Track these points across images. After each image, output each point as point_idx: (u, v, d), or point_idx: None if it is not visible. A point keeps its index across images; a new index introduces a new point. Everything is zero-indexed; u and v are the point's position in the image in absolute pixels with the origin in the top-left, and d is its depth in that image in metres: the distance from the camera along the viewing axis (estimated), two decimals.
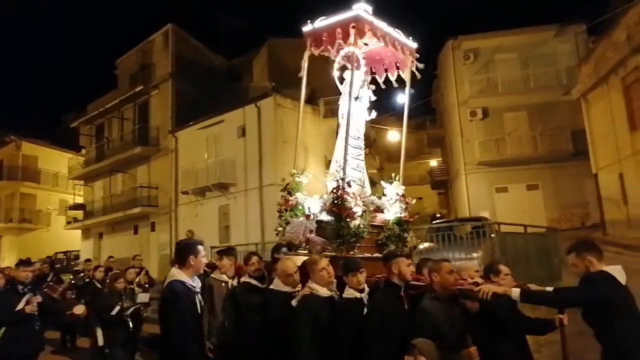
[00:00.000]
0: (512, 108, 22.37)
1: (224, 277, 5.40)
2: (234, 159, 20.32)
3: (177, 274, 3.65)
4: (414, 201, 6.13)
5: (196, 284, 3.76)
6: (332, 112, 23.16)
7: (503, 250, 9.02)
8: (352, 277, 3.95)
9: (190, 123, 21.99)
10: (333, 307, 3.96)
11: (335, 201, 5.18)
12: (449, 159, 28.49)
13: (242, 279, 5.12)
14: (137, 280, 8.55)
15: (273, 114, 19.47)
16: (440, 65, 29.24)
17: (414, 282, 4.00)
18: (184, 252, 3.72)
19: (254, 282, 4.89)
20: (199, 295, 3.80)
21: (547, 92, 21.44)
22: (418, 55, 6.46)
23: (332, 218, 5.18)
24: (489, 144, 22.54)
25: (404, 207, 5.81)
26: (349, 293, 3.95)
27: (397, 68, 6.56)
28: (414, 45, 6.42)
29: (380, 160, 34.32)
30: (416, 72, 6.48)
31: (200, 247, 3.78)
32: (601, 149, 18.35)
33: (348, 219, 5.09)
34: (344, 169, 5.43)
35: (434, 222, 16.63)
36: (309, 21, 6.10)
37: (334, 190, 5.27)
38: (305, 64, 6.29)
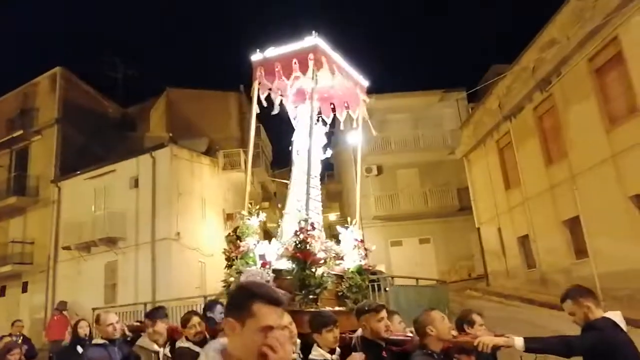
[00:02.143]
0: (404, 165, 23.76)
1: (154, 346, 4.11)
2: (125, 211, 19.04)
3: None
4: (374, 247, 5.63)
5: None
6: (231, 164, 22.94)
7: (396, 303, 9.20)
8: (328, 334, 3.34)
9: (77, 172, 20.39)
10: None
11: (299, 245, 4.56)
12: (346, 213, 29.21)
13: (179, 344, 4.07)
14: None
15: (169, 164, 18.75)
16: (338, 122, 30.46)
17: (394, 338, 3.56)
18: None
19: (195, 347, 3.90)
20: None
21: (435, 151, 23.14)
22: (367, 99, 6.23)
23: (294, 265, 4.55)
24: (383, 199, 23.54)
25: (363, 254, 5.33)
26: (318, 354, 3.32)
27: (347, 108, 6.25)
28: (366, 83, 6.12)
29: (281, 214, 34.24)
30: (365, 113, 6.20)
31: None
32: (482, 205, 19.99)
33: (313, 267, 4.50)
34: (307, 209, 4.82)
35: None
36: (257, 50, 5.59)
37: (298, 232, 4.64)
38: (254, 96, 5.64)
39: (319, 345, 3.35)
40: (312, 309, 4.30)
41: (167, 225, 17.92)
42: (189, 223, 19.03)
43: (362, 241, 5.39)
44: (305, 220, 4.70)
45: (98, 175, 19.93)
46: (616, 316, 3.10)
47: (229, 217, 22.97)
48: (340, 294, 4.89)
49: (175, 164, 18.87)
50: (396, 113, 24.50)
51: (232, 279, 4.73)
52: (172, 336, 4.33)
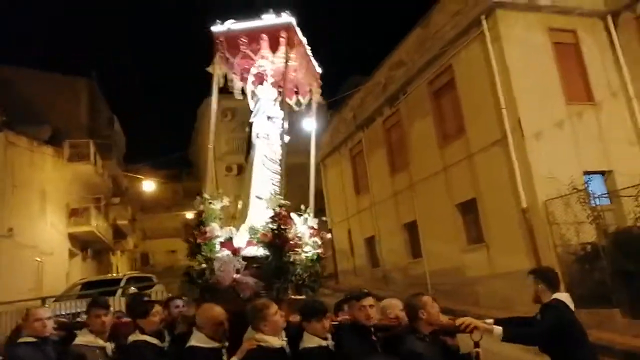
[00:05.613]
0: None
1: (99, 341, 3.60)
2: None
3: None
4: (329, 235, 5.53)
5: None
6: (78, 156, 21.16)
7: None
8: (317, 323, 3.32)
9: None
10: None
11: (276, 230, 4.38)
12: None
13: (133, 338, 3.69)
14: None
15: (2, 153, 16.63)
16: (199, 120, 29.95)
17: (381, 324, 3.63)
18: None
19: (151, 340, 3.65)
20: None
21: (294, 154, 23.92)
22: (321, 82, 6.08)
23: (267, 252, 4.39)
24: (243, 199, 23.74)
25: (319, 242, 5.17)
26: (312, 342, 3.29)
27: (296, 93, 6.09)
28: (319, 70, 5.99)
29: (133, 211, 32.44)
30: (320, 99, 6.14)
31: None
32: (335, 207, 21.31)
33: (290, 254, 4.39)
34: (282, 194, 4.72)
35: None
36: (218, 21, 5.22)
37: (275, 217, 4.46)
38: (215, 71, 5.24)
39: (310, 334, 3.34)
40: (292, 298, 4.30)
41: None
42: (25, 218, 17.12)
43: (318, 229, 5.28)
44: (281, 206, 4.55)
45: None
46: (565, 297, 3.42)
47: (73, 212, 21.18)
48: (300, 282, 4.67)
49: (10, 152, 16.81)
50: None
51: (203, 265, 4.43)
52: (118, 330, 3.91)
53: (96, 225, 22.01)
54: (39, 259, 17.68)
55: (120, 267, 29.44)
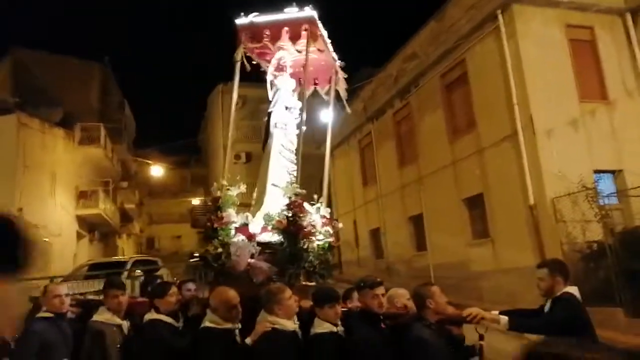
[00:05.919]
0: None
1: (116, 319, 3.79)
2: None
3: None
4: (341, 225, 5.68)
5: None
6: (89, 139, 21.30)
7: None
8: (330, 310, 3.40)
9: None
10: (299, 345, 3.40)
11: (291, 218, 4.49)
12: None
13: (149, 317, 3.81)
14: None
15: (15, 133, 16.77)
16: (209, 107, 29.97)
17: (389, 312, 3.69)
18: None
19: (167, 319, 3.77)
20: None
21: (304, 145, 23.98)
22: (341, 74, 6.22)
23: (282, 239, 4.49)
24: (251, 187, 23.79)
25: (331, 231, 5.23)
26: (323, 327, 3.37)
27: (316, 84, 6.22)
28: (339, 62, 6.12)
29: (141, 195, 32.67)
30: (341, 91, 6.25)
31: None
32: (342, 197, 21.34)
33: (304, 241, 4.48)
34: (298, 182, 4.82)
35: (191, 259, 16.51)
36: (242, 14, 5.39)
37: (291, 205, 4.55)
38: (238, 62, 5.42)
39: (322, 319, 3.41)
40: (303, 284, 4.39)
41: (7, 200, 16.07)
42: (36, 199, 17.31)
43: (330, 218, 5.36)
44: (297, 194, 4.67)
45: None
46: (575, 291, 3.40)
47: (82, 194, 21.38)
48: (311, 269, 4.73)
49: (22, 133, 16.95)
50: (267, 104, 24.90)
51: (220, 250, 4.52)
52: (134, 309, 4.05)
53: (104, 208, 22.19)
54: (47, 239, 17.89)
55: (126, 250, 29.69)
